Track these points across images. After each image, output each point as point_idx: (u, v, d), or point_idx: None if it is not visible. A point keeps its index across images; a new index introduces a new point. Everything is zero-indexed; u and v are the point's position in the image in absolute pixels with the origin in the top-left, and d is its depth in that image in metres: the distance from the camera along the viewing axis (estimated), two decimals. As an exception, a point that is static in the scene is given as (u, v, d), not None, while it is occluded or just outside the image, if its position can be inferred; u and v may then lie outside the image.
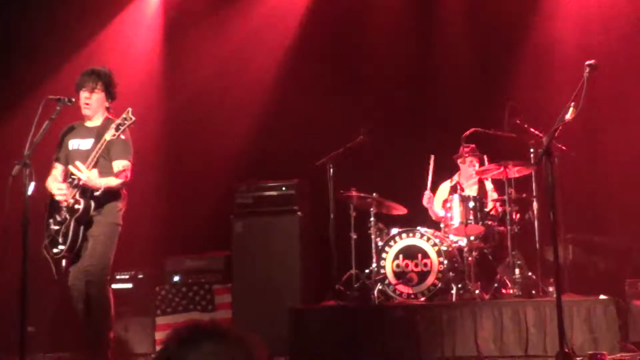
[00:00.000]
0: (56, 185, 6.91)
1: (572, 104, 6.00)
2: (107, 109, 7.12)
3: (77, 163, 6.76)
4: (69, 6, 10.30)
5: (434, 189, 9.39)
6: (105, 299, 6.91)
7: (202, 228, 10.20)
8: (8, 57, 10.05)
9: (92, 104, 7.04)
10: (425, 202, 9.22)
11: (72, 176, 6.78)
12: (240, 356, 2.10)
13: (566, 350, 6.20)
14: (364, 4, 10.82)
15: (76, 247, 6.82)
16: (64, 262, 6.88)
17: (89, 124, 7.11)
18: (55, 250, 6.82)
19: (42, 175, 6.85)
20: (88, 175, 6.66)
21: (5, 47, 10.07)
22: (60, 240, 6.81)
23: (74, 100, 6.82)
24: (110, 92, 7.11)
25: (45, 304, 8.70)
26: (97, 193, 6.77)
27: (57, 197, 6.82)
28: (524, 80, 9.90)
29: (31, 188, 6.19)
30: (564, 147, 8.13)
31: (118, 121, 6.71)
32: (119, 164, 6.90)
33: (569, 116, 6.00)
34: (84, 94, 7.01)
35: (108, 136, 6.72)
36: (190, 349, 2.07)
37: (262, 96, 10.70)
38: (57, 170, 7.10)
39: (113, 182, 6.84)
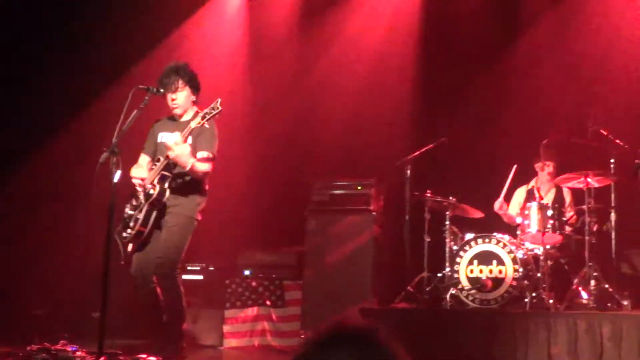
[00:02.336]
0: (136, 171, 6.94)
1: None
2: (195, 102, 7.11)
3: (175, 136, 6.73)
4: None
5: (509, 197, 9.29)
6: (176, 292, 6.90)
7: (276, 223, 10.20)
8: (93, 46, 10.15)
9: (180, 103, 7.03)
10: (496, 208, 9.11)
11: (156, 162, 6.82)
12: None
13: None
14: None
15: (145, 232, 6.82)
16: (130, 246, 6.89)
17: (180, 119, 7.13)
18: (124, 234, 6.82)
19: (129, 163, 6.90)
20: (182, 149, 6.63)
21: (90, 35, 10.17)
22: (131, 224, 6.82)
23: (162, 90, 6.86)
24: (193, 86, 7.10)
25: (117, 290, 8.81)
26: (178, 180, 6.78)
27: (133, 180, 6.85)
28: (611, 88, 9.68)
29: (118, 176, 6.23)
30: None
31: (206, 110, 6.72)
32: (204, 154, 6.90)
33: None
34: (169, 96, 7.01)
35: (193, 124, 6.73)
36: (327, 353, 1.99)
37: (346, 96, 10.65)
38: (143, 159, 7.14)
39: (199, 167, 6.82)
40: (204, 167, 6.86)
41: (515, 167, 9.03)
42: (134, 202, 6.87)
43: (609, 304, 8.02)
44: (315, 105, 10.66)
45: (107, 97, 9.42)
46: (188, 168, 6.70)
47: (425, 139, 9.42)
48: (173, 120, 7.14)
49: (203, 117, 6.69)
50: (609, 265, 8.38)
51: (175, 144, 6.61)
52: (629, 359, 7.04)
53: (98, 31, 10.18)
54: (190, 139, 6.88)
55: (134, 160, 7.10)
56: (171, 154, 6.67)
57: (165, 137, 6.90)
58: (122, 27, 10.13)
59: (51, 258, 9.85)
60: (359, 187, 9.55)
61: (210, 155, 6.92)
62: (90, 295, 7.25)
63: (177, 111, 7.06)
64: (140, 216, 6.80)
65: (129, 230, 6.82)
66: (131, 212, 6.87)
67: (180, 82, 7.00)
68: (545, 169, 9.18)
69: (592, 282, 8.13)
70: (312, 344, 2.02)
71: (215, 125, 6.99)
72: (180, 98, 7.02)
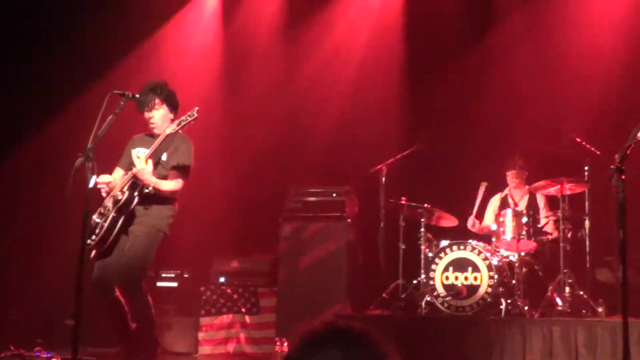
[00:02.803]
0: (102, 177, 6.85)
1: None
2: (173, 120, 7.02)
3: (140, 153, 6.73)
4: (128, 2, 10.32)
5: (481, 214, 9.31)
6: (142, 301, 6.75)
7: (251, 231, 10.16)
8: (69, 51, 10.09)
9: (156, 122, 6.96)
10: (469, 225, 9.15)
11: (132, 167, 6.76)
12: None
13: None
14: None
15: (109, 239, 6.70)
16: (92, 253, 6.78)
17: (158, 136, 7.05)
18: (88, 241, 6.67)
19: (105, 169, 6.84)
20: (143, 166, 6.60)
21: (66, 40, 10.11)
22: (96, 231, 6.72)
23: (137, 95, 6.80)
24: (171, 104, 7.04)
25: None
26: (146, 190, 6.72)
27: (98, 186, 6.77)
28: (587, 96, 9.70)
29: (93, 181, 6.17)
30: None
31: (182, 118, 6.70)
32: (175, 173, 6.86)
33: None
34: (146, 115, 6.96)
35: (168, 130, 6.70)
36: (320, 352, 1.98)
37: (326, 103, 10.62)
38: (117, 172, 7.05)
39: (164, 185, 6.77)
40: (169, 186, 6.81)
41: (484, 184, 9.07)
42: (102, 210, 6.79)
43: (583, 311, 8.05)
44: (293, 111, 10.64)
45: (82, 102, 9.36)
46: (151, 187, 6.67)
47: (407, 146, 9.45)
48: (151, 137, 7.05)
49: (178, 124, 6.67)
50: (584, 272, 8.41)
51: (139, 160, 6.59)
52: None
53: (75, 34, 10.11)
54: (165, 156, 6.84)
55: (108, 166, 7.04)
56: (134, 170, 6.65)
57: (140, 153, 6.84)
58: (98, 31, 10.08)
59: (26, 264, 9.77)
60: (334, 194, 9.55)
61: (180, 176, 6.87)
62: (64, 302, 7.17)
63: (156, 131, 6.97)
64: (106, 223, 6.70)
65: (93, 237, 6.70)
66: (98, 220, 6.77)
67: (157, 100, 6.93)
68: (518, 177, 9.22)
69: (567, 289, 8.16)
70: (305, 342, 2.01)
71: (191, 141, 6.97)
72: (157, 116, 6.95)
